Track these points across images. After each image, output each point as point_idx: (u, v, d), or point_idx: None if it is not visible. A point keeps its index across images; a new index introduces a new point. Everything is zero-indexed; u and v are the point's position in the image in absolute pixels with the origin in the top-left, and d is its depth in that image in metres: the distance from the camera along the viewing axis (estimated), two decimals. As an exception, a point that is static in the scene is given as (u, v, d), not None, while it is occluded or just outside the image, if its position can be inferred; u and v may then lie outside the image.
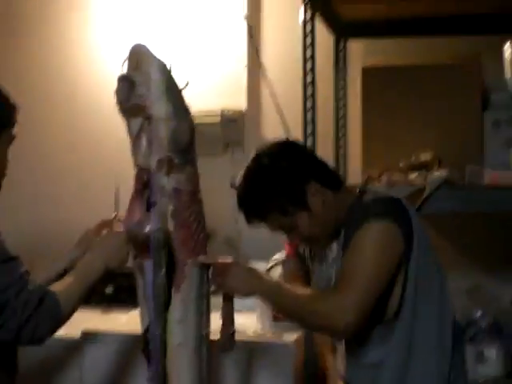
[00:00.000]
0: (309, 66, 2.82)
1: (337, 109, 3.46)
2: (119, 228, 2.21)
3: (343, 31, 3.39)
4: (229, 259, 2.16)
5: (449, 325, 2.20)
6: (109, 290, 3.60)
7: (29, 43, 4.05)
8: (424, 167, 2.85)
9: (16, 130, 2.26)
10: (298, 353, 2.85)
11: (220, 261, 2.14)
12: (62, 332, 2.84)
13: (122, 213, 2.17)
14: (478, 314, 3.05)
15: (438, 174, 2.76)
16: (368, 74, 3.22)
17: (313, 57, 2.82)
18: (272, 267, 3.02)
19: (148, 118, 1.99)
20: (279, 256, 3.05)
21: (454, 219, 3.12)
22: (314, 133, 2.83)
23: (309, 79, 2.83)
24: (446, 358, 2.17)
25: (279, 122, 3.44)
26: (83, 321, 3.12)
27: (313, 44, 2.82)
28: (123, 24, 3.88)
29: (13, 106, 2.25)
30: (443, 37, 3.27)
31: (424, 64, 3.20)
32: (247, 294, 2.16)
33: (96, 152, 3.91)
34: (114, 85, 2.05)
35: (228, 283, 2.12)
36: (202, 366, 2.12)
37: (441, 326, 2.17)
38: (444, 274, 2.22)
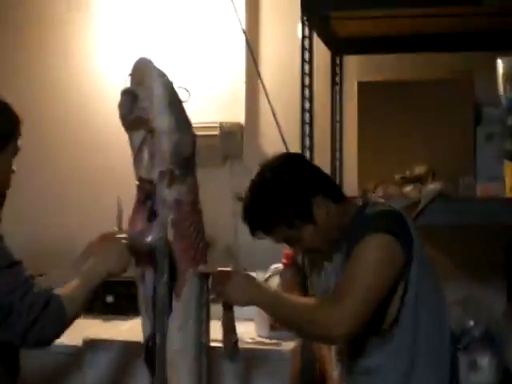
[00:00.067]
0: (306, 81, 2.87)
1: (333, 122, 3.52)
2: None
3: (339, 48, 3.45)
4: (228, 268, 2.21)
5: (447, 334, 2.25)
6: (109, 298, 3.64)
7: (28, 56, 4.09)
8: (418, 180, 2.90)
9: (20, 141, 2.31)
10: (295, 361, 2.89)
11: (219, 270, 2.19)
12: (63, 340, 2.91)
13: (125, 223, 2.21)
14: (471, 323, 3.09)
15: (433, 186, 2.81)
16: (363, 88, 3.27)
17: (310, 72, 2.87)
18: (270, 277, 3.06)
19: (150, 131, 2.03)
20: (277, 266, 3.10)
21: (448, 231, 3.16)
22: (311, 146, 2.88)
23: (306, 94, 2.88)
24: (445, 366, 2.23)
25: (277, 135, 3.49)
26: (84, 329, 3.18)
27: (310, 60, 2.87)
28: (122, 37, 3.91)
29: (17, 118, 2.28)
30: (436, 53, 3.34)
31: (418, 79, 3.25)
32: (246, 302, 2.18)
33: (99, 162, 3.94)
34: (117, 97, 2.09)
35: (227, 292, 2.15)
36: (202, 373, 2.15)
37: (440, 335, 2.23)
38: (441, 285, 2.27)
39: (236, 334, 2.22)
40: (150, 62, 2.04)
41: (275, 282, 3.01)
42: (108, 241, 2.23)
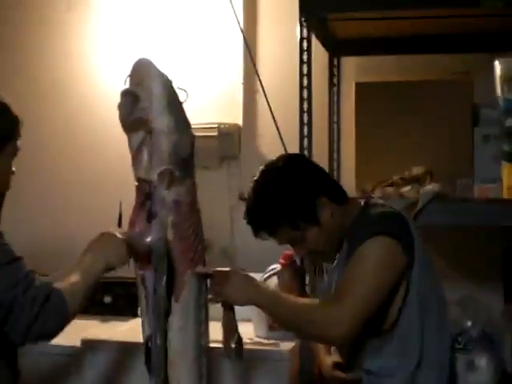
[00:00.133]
0: (305, 82, 2.88)
1: (331, 123, 3.53)
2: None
3: (337, 49, 3.46)
4: (227, 268, 2.21)
5: (447, 334, 2.27)
6: (107, 299, 3.65)
7: (28, 57, 4.09)
8: (416, 181, 2.91)
9: (20, 142, 2.31)
10: (293, 361, 2.88)
11: (218, 270, 2.19)
12: (62, 341, 2.92)
13: (125, 227, 2.21)
14: (469, 323, 3.10)
15: (431, 187, 2.82)
16: (361, 89, 3.29)
17: (309, 73, 2.88)
18: (267, 278, 3.06)
19: (150, 132, 2.03)
20: (275, 266, 3.10)
21: (446, 232, 3.17)
22: (309, 147, 2.88)
23: (305, 95, 2.89)
24: (445, 366, 2.24)
25: (275, 136, 3.49)
26: (82, 330, 3.19)
27: (309, 61, 2.88)
28: (121, 38, 3.92)
29: (16, 119, 2.28)
30: (434, 55, 3.35)
31: (416, 80, 3.27)
32: (245, 302, 2.19)
33: (98, 163, 3.94)
34: (116, 98, 2.10)
35: (226, 292, 2.16)
36: (202, 373, 2.16)
37: (440, 335, 2.23)
38: (441, 285, 2.28)
39: (238, 333, 2.22)
40: (150, 62, 2.04)
41: (273, 283, 3.00)
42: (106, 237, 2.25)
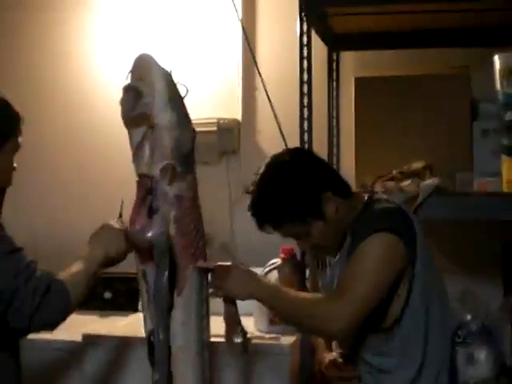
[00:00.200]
0: (305, 77, 2.88)
1: (330, 118, 3.53)
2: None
3: (336, 43, 3.46)
4: (228, 263, 2.22)
5: (449, 330, 2.29)
6: (107, 294, 3.66)
7: (28, 56, 4.09)
8: (416, 175, 2.91)
9: (21, 139, 2.32)
10: (294, 355, 2.90)
11: (219, 264, 2.20)
12: (63, 336, 2.94)
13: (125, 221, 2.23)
14: (468, 317, 3.10)
15: (430, 181, 2.83)
16: (361, 84, 3.28)
17: (309, 68, 2.88)
18: (268, 272, 3.07)
19: (152, 127, 2.04)
20: (275, 261, 3.11)
21: (445, 226, 3.18)
22: (310, 142, 2.89)
23: (305, 90, 2.89)
24: (447, 361, 2.25)
25: (274, 131, 3.50)
26: (83, 325, 3.21)
27: (309, 56, 2.88)
28: (120, 35, 3.92)
29: (17, 116, 2.30)
30: (433, 49, 3.34)
31: (415, 75, 3.26)
32: (246, 296, 2.20)
33: (98, 160, 3.96)
34: (116, 95, 2.10)
35: (227, 286, 2.17)
36: (205, 367, 2.17)
37: (443, 332, 2.26)
38: (443, 281, 2.29)
39: (242, 326, 2.23)
40: (151, 57, 2.05)
41: (274, 277, 3.02)
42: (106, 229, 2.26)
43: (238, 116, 3.74)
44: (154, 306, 2.11)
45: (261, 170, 2.28)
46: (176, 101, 2.05)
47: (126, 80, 2.09)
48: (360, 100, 3.27)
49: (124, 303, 3.62)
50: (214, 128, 3.65)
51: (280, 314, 2.34)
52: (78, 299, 2.11)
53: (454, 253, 3.35)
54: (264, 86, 3.54)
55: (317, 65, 3.05)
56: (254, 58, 3.60)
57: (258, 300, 2.23)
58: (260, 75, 3.56)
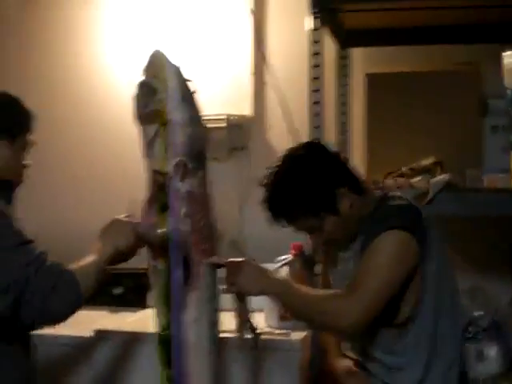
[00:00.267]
0: (316, 73, 2.89)
1: (340, 115, 3.54)
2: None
3: (346, 40, 3.46)
4: (240, 259, 2.23)
5: (460, 330, 2.29)
6: (117, 290, 3.67)
7: (38, 57, 4.11)
8: (426, 171, 2.92)
9: (34, 136, 2.33)
10: (304, 351, 2.90)
11: (231, 261, 2.21)
12: (73, 331, 2.96)
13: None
14: (478, 313, 3.11)
15: (441, 177, 2.84)
16: (371, 80, 3.30)
17: (320, 65, 2.88)
18: (278, 268, 3.08)
19: (165, 124, 2.04)
20: (285, 257, 3.12)
21: (455, 222, 3.18)
22: (320, 138, 2.89)
23: (315, 86, 2.90)
24: (456, 358, 2.26)
25: (284, 128, 3.50)
26: (93, 321, 3.22)
27: (320, 52, 2.89)
28: (130, 34, 3.92)
29: (27, 113, 2.32)
30: (443, 45, 3.35)
31: (425, 71, 3.27)
32: (257, 293, 2.22)
33: (109, 158, 3.97)
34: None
35: (239, 282, 2.18)
36: (216, 363, 2.17)
37: (453, 330, 2.27)
38: (456, 277, 2.30)
39: (252, 322, 2.24)
40: (165, 55, 2.05)
41: (284, 273, 3.03)
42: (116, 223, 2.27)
43: (248, 112, 3.73)
44: (167, 302, 2.11)
45: (276, 164, 2.27)
46: (189, 98, 2.06)
47: (141, 77, 2.09)
48: (371, 96, 3.28)
49: (133, 299, 3.63)
50: (224, 124, 3.64)
51: (291, 310, 2.35)
52: (88, 291, 2.11)
53: (464, 249, 3.34)
54: (275, 82, 3.54)
55: (327, 61, 3.06)
56: (263, 56, 3.60)
57: (269, 296, 2.25)
58: (271, 72, 3.56)
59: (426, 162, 2.98)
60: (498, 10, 3.04)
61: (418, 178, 2.86)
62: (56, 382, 3.08)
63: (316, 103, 2.90)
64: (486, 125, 3.11)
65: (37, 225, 3.61)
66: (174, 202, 2.09)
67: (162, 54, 2.06)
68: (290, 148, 2.33)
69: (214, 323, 2.17)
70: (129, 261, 2.30)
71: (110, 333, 3.08)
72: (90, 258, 2.15)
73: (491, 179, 2.96)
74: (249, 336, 2.22)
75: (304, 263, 3.07)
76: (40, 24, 4.09)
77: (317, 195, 2.19)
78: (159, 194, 2.12)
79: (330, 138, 3.31)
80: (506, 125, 2.97)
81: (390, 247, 2.13)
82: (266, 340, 2.88)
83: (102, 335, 3.06)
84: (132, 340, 3.04)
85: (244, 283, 2.19)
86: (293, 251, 3.11)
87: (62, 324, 3.04)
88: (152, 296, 2.24)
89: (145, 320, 3.27)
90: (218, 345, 2.19)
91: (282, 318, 3.02)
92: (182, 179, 2.08)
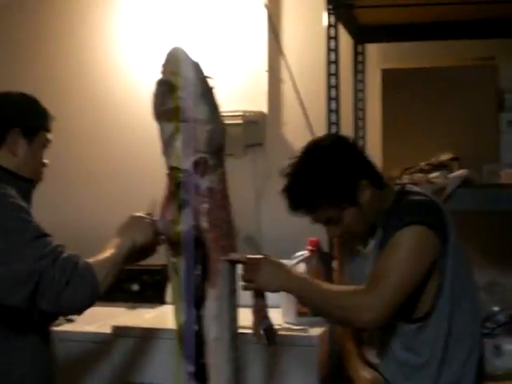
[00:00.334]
0: (332, 69, 2.89)
1: (356, 110, 3.54)
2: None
3: (361, 35, 3.46)
4: (258, 256, 2.23)
5: (478, 325, 2.29)
6: (135, 287, 3.68)
7: (53, 55, 4.12)
8: (444, 167, 2.92)
9: (52, 136, 2.35)
10: (322, 347, 2.91)
11: (250, 257, 2.21)
12: (92, 327, 2.98)
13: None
14: (496, 309, 3.10)
15: (459, 173, 2.84)
16: (387, 76, 3.28)
17: (336, 61, 2.89)
18: (296, 264, 3.08)
19: (185, 121, 2.03)
20: (302, 253, 3.12)
21: (472, 217, 3.18)
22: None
23: (332, 82, 2.90)
24: (475, 353, 2.26)
25: (299, 124, 3.51)
26: (110, 317, 3.25)
27: (336, 48, 2.89)
28: (144, 29, 3.93)
29: (45, 111, 2.35)
30: (459, 40, 3.34)
31: (441, 66, 3.26)
32: (276, 289, 2.22)
33: (126, 156, 3.97)
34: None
35: (258, 279, 2.19)
36: (238, 358, 2.18)
37: (472, 326, 2.27)
38: (473, 271, 2.30)
39: (269, 319, 2.25)
40: (184, 51, 2.04)
41: (301, 269, 3.03)
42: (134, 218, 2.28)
43: (264, 109, 3.73)
44: (186, 298, 2.11)
45: (298, 153, 2.27)
46: (209, 94, 2.06)
47: (158, 74, 2.10)
48: (387, 92, 3.27)
49: (151, 295, 3.64)
50: (240, 121, 3.64)
51: (311, 305, 2.36)
52: (105, 284, 2.11)
53: (482, 244, 3.33)
54: (292, 77, 3.55)
55: (342, 57, 3.06)
56: (280, 52, 3.60)
57: (289, 292, 2.25)
58: (288, 69, 3.56)
59: (444, 157, 2.98)
60: (513, 5, 3.03)
61: (436, 174, 2.86)
62: (75, 378, 3.09)
63: (333, 99, 2.90)
64: (503, 120, 3.11)
65: (52, 224, 3.66)
66: (193, 199, 2.09)
67: (181, 50, 2.05)
68: (313, 138, 2.33)
69: (233, 319, 2.17)
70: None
71: (128, 329, 3.10)
72: (107, 252, 2.16)
73: (508, 174, 2.96)
74: (265, 332, 2.22)
75: (321, 259, 3.08)
76: (56, 16, 4.11)
77: (340, 184, 2.19)
78: (177, 191, 2.12)
79: (346, 134, 3.30)
80: (524, 120, 2.96)
81: (410, 242, 2.13)
82: (284, 336, 2.90)
83: (120, 331, 3.08)
84: (150, 336, 3.05)
85: (263, 280, 2.19)
86: (309, 247, 3.12)
87: (80, 321, 3.13)
88: (170, 292, 2.25)
89: (162, 316, 3.31)
90: (238, 340, 2.20)
91: (300, 313, 3.03)
92: (203, 176, 2.08)
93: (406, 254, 2.12)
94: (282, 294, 2.34)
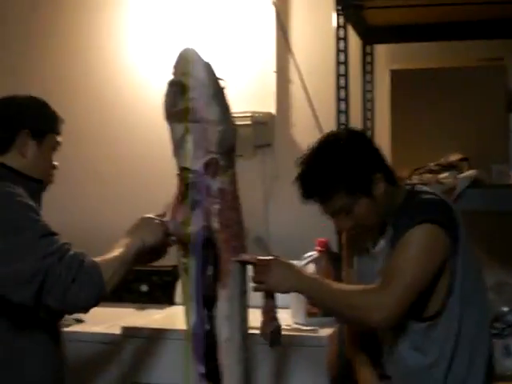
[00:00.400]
0: (342, 70, 2.90)
1: (364, 111, 3.53)
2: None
3: (370, 36, 3.46)
4: (268, 257, 2.23)
5: (487, 325, 2.29)
6: (144, 287, 3.69)
7: (61, 55, 4.13)
8: (453, 167, 2.92)
9: (61, 138, 2.36)
10: (331, 347, 2.90)
11: (260, 258, 2.21)
12: (101, 328, 2.98)
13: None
14: (505, 309, 3.10)
15: (468, 173, 2.84)
16: (396, 76, 3.29)
17: (346, 62, 2.89)
18: (305, 265, 3.08)
19: (196, 122, 2.04)
20: (311, 254, 3.13)
21: (481, 217, 3.17)
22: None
23: (342, 83, 2.90)
24: (484, 353, 2.26)
25: (308, 125, 3.51)
26: (120, 318, 3.26)
27: (345, 49, 2.90)
28: (152, 30, 3.92)
29: (54, 114, 2.36)
30: (468, 41, 3.34)
31: (450, 67, 3.27)
32: (287, 290, 2.22)
33: (134, 156, 3.97)
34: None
35: (269, 281, 2.18)
36: (248, 358, 2.19)
37: (481, 326, 2.26)
38: (482, 271, 2.30)
39: (278, 320, 2.25)
40: (196, 52, 2.05)
41: (310, 270, 3.03)
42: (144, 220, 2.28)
43: (273, 109, 3.74)
44: (197, 299, 2.12)
45: (314, 144, 2.27)
46: (220, 95, 2.06)
47: (170, 75, 2.10)
48: (395, 92, 3.28)
49: (160, 296, 3.65)
50: (249, 122, 3.64)
51: (322, 305, 2.37)
52: (112, 282, 2.10)
53: (491, 244, 3.33)
54: (300, 78, 3.55)
55: (351, 57, 3.07)
56: (290, 52, 3.61)
57: (300, 292, 2.25)
58: (298, 69, 3.56)
59: (453, 158, 2.98)
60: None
61: (446, 174, 2.86)
62: (84, 379, 3.09)
63: (342, 100, 2.91)
64: (513, 120, 3.12)
65: (59, 224, 3.67)
66: (204, 200, 2.10)
67: (193, 51, 2.06)
68: (330, 131, 2.33)
69: (244, 320, 2.18)
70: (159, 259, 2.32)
71: (137, 330, 3.10)
72: (115, 251, 2.15)
73: (518, 175, 2.96)
74: (271, 333, 2.23)
75: (330, 260, 3.08)
76: (63, 15, 4.11)
77: (355, 173, 2.18)
78: (188, 192, 2.12)
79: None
80: (533, 120, 2.96)
81: (420, 241, 2.13)
82: (293, 337, 2.91)
83: (129, 332, 3.08)
84: (159, 337, 3.06)
85: (274, 281, 2.19)
86: (318, 248, 3.12)
87: (89, 321, 3.13)
88: (181, 293, 2.25)
89: (171, 317, 3.31)
90: (248, 341, 2.21)
91: (309, 314, 3.03)
92: (213, 177, 2.09)
93: (417, 252, 2.12)
94: (292, 294, 2.35)
